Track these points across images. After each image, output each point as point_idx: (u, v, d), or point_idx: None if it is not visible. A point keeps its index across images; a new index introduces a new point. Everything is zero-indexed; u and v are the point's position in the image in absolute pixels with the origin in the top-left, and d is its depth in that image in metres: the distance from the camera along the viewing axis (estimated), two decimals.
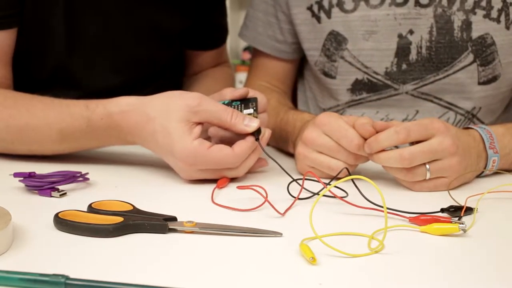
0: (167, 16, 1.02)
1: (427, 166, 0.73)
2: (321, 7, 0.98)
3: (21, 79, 0.95)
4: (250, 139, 0.75)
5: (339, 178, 0.70)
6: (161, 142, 0.73)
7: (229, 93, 0.80)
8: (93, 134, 0.79)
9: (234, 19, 2.39)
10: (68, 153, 0.84)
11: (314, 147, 0.79)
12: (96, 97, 0.81)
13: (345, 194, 0.69)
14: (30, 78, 0.97)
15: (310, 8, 1.00)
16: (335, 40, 0.98)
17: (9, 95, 0.86)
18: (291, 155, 0.87)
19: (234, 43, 2.37)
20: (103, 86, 0.98)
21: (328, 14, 0.98)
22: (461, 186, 0.76)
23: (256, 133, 0.75)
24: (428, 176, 0.74)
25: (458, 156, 0.74)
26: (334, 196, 0.66)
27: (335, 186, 0.69)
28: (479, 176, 0.80)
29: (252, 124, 0.75)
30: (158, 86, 0.96)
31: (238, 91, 0.80)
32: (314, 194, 0.69)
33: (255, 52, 1.13)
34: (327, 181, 0.75)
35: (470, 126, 0.82)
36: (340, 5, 0.97)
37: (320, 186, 0.67)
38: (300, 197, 0.68)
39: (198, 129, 0.73)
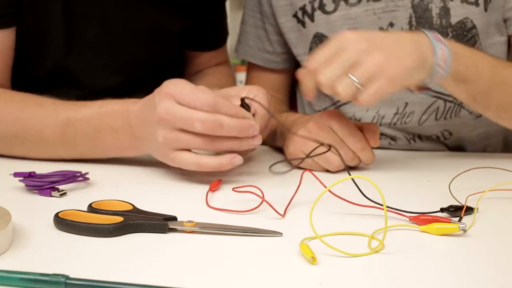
0: (167, 16, 1.02)
1: (351, 76, 0.71)
2: (304, 12, 1.00)
3: (20, 79, 0.95)
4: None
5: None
6: (149, 108, 0.73)
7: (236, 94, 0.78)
8: (98, 122, 0.78)
9: (234, 19, 2.39)
10: (62, 156, 0.82)
11: (317, 137, 0.80)
12: (96, 97, 0.81)
13: (345, 194, 0.69)
14: (29, 78, 0.97)
15: (295, 15, 1.01)
16: (320, 42, 1.00)
17: (17, 92, 0.86)
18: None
19: (234, 43, 2.37)
20: (103, 86, 0.98)
21: (311, 18, 0.99)
22: (461, 185, 0.76)
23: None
24: (358, 85, 0.71)
25: (376, 50, 0.72)
26: (335, 196, 0.66)
27: (355, 180, 0.67)
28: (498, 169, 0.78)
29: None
30: (158, 86, 0.96)
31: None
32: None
33: (249, 66, 1.15)
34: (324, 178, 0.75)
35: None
36: (321, 7, 0.98)
37: (318, 184, 0.67)
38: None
39: None
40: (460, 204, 0.66)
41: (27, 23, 0.91)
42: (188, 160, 0.72)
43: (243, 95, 0.78)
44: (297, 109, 1.17)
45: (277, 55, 1.09)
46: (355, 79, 0.71)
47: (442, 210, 0.65)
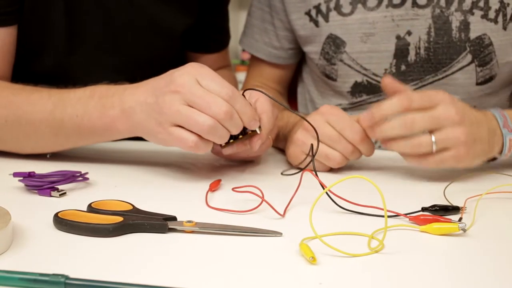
0: (169, 15, 1.02)
1: (433, 137, 0.73)
2: (319, 11, 0.99)
3: (21, 77, 0.95)
4: None
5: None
6: (169, 72, 0.73)
7: None
8: (89, 100, 0.77)
9: (234, 19, 2.39)
10: (51, 143, 0.82)
11: (314, 132, 0.80)
12: None
13: (345, 194, 0.69)
14: (30, 76, 0.97)
15: (308, 13, 1.00)
16: (334, 44, 0.99)
17: (16, 84, 0.86)
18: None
19: (233, 43, 2.37)
20: None
21: (326, 18, 0.98)
22: (460, 187, 0.76)
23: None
24: (434, 148, 0.73)
25: (463, 126, 0.73)
26: (334, 195, 0.66)
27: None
28: (493, 160, 0.80)
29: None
30: None
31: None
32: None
33: (252, 58, 1.15)
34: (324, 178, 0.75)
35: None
36: (337, 8, 0.97)
37: (318, 184, 0.67)
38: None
39: None
40: (444, 204, 0.66)
41: (29, 22, 0.91)
42: (188, 137, 0.70)
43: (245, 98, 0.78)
44: (298, 107, 1.17)
45: (284, 50, 1.09)
46: (435, 142, 0.73)
47: (423, 209, 0.65)
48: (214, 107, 0.69)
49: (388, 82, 0.78)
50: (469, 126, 0.74)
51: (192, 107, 0.69)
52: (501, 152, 0.79)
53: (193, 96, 0.69)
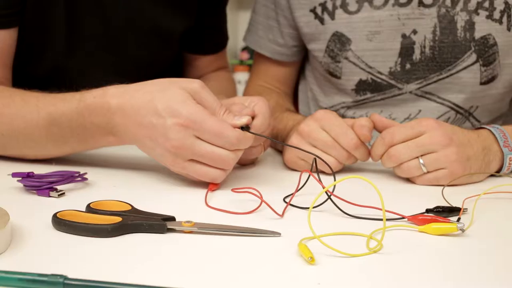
0: (168, 17, 1.03)
1: (421, 160, 0.75)
2: (324, 9, 0.99)
3: (19, 79, 0.95)
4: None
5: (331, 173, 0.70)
6: (160, 108, 0.69)
7: (237, 109, 0.76)
8: (81, 119, 0.74)
9: (232, 19, 2.40)
10: (55, 153, 0.81)
11: (309, 140, 0.80)
12: None
13: (343, 194, 0.69)
14: (28, 79, 0.97)
15: (313, 10, 1.01)
16: (339, 41, 0.99)
17: (7, 88, 0.84)
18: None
19: (232, 43, 2.37)
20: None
21: (332, 16, 0.98)
22: (458, 187, 0.76)
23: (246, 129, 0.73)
24: (424, 169, 0.76)
25: (453, 146, 0.75)
26: (333, 196, 0.66)
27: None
28: (495, 176, 0.81)
29: (242, 119, 0.72)
30: None
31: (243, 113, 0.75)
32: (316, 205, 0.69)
33: (256, 55, 1.15)
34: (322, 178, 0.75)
35: (482, 126, 0.82)
36: (344, 6, 0.97)
37: (316, 185, 0.67)
38: (297, 205, 0.68)
39: None
40: (447, 205, 0.66)
41: (30, 23, 0.91)
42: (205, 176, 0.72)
43: (246, 103, 0.78)
44: (299, 105, 1.17)
45: (288, 48, 1.09)
46: (423, 164, 0.75)
47: (427, 211, 0.65)
48: (221, 164, 0.71)
49: (376, 119, 0.81)
50: (459, 146, 0.75)
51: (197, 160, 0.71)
52: (499, 170, 0.80)
53: (197, 156, 0.70)
